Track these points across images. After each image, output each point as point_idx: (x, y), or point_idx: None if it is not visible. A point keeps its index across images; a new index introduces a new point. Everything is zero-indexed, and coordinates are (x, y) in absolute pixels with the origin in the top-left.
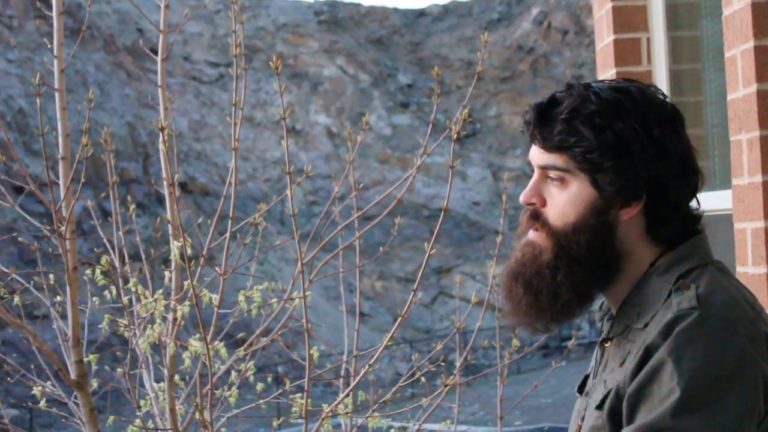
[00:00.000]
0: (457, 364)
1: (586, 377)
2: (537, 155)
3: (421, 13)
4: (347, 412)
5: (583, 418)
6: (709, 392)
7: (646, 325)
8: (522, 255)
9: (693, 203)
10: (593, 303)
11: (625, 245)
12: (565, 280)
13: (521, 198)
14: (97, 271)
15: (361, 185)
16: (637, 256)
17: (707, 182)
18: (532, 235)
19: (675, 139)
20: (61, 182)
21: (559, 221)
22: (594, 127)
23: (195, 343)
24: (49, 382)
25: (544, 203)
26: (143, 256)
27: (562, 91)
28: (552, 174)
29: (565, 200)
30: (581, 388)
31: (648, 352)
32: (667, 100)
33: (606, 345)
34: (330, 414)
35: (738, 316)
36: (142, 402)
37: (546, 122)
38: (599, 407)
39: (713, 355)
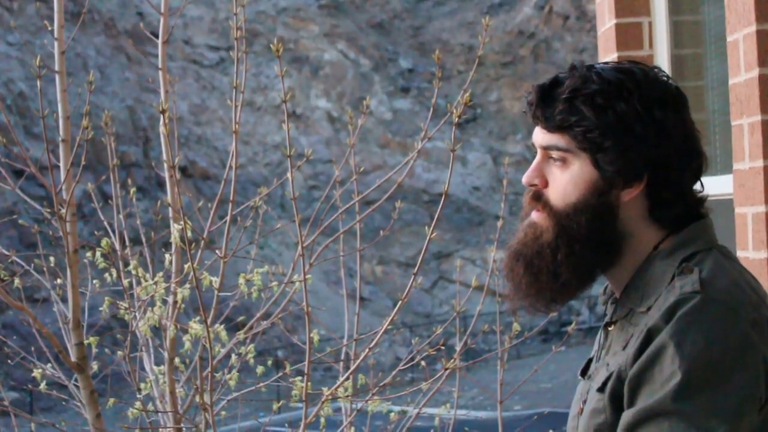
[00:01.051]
0: (457, 349)
1: (590, 361)
2: (539, 136)
3: None
4: (347, 396)
5: (585, 401)
6: (710, 377)
7: (648, 309)
8: (524, 235)
9: (697, 186)
10: (593, 284)
11: (627, 226)
12: (566, 260)
13: (524, 179)
14: (98, 254)
15: (362, 169)
16: (640, 238)
17: (708, 167)
18: (534, 215)
19: (677, 121)
20: (61, 165)
21: (560, 201)
22: (595, 106)
23: (195, 326)
24: (49, 365)
25: (546, 184)
26: (143, 240)
27: (565, 71)
28: (554, 154)
29: (567, 180)
30: (584, 372)
31: (650, 336)
32: (671, 82)
33: (610, 328)
34: (330, 397)
35: (741, 300)
36: (142, 385)
37: (548, 102)
38: (601, 390)
39: (715, 339)
